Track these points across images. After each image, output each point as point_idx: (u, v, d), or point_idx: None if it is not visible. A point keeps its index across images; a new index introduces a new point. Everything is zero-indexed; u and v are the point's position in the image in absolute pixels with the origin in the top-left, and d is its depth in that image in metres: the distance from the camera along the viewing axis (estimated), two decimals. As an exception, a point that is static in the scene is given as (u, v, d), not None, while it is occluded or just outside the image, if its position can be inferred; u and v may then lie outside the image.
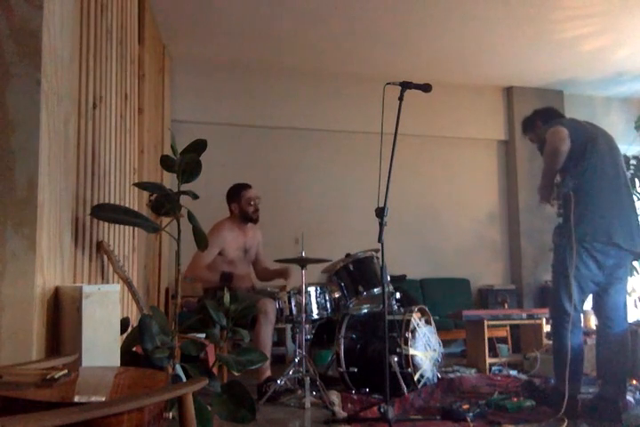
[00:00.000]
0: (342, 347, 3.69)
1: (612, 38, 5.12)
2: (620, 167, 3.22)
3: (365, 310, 3.94)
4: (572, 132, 3.09)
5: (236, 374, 2.16)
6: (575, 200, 3.05)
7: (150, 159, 4.22)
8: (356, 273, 3.94)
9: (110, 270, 2.61)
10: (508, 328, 5.03)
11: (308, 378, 3.34)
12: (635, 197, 5.66)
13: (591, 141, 3.13)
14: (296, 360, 3.46)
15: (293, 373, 3.44)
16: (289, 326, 4.42)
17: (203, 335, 2.40)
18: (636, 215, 3.18)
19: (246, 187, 4.02)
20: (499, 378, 4.09)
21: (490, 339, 4.49)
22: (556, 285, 3.15)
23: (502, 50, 5.39)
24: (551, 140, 3.09)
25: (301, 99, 5.88)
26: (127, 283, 2.57)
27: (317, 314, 3.77)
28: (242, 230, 4.00)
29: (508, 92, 6.49)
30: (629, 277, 5.63)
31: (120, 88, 3.01)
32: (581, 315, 3.22)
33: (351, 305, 3.90)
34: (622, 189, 3.17)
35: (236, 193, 3.99)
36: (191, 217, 2.20)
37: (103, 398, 1.31)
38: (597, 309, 3.21)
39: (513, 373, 4.30)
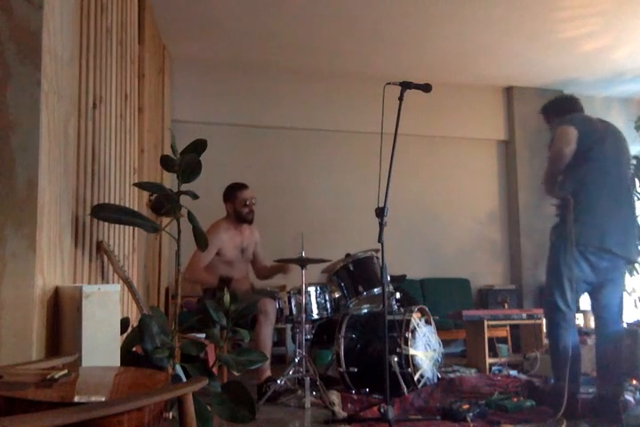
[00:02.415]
0: (342, 347, 3.68)
1: (612, 38, 5.12)
2: (623, 170, 3.19)
3: (365, 310, 3.94)
4: (582, 132, 3.07)
5: (236, 374, 2.16)
6: (573, 203, 3.04)
7: (150, 159, 4.22)
8: (355, 273, 3.93)
9: (110, 270, 2.61)
10: (508, 328, 5.03)
11: (308, 378, 3.33)
12: (635, 198, 5.68)
13: (599, 143, 3.10)
14: (296, 360, 3.46)
15: (293, 373, 3.44)
16: (289, 326, 4.42)
17: (203, 335, 2.40)
18: (634, 222, 3.16)
19: (242, 187, 4.00)
20: (499, 378, 4.09)
21: (490, 339, 4.49)
22: (550, 284, 3.16)
23: (502, 50, 5.39)
24: (557, 141, 3.08)
25: (301, 99, 5.88)
26: (127, 283, 2.57)
27: (317, 314, 3.77)
28: (238, 230, 3.99)
29: (508, 92, 6.49)
30: (630, 277, 5.66)
31: (120, 88, 3.01)
32: (575, 314, 3.23)
33: (351, 305, 3.90)
34: (623, 193, 3.15)
35: (231, 193, 3.97)
36: (191, 217, 2.20)
37: (103, 398, 1.31)
38: (592, 308, 3.23)
39: (513, 373, 4.30)
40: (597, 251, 3.02)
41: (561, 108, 3.38)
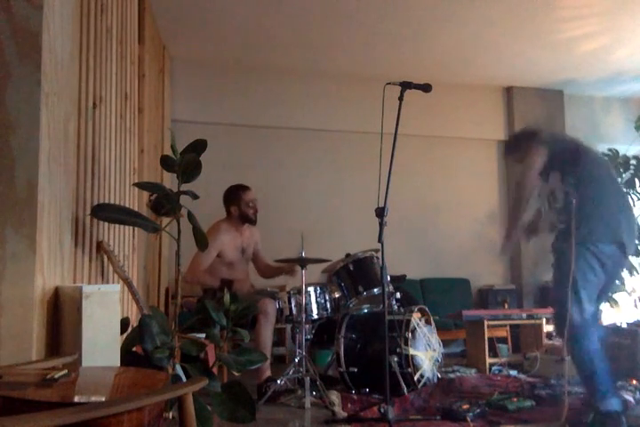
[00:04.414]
0: (342, 347, 3.68)
1: (612, 38, 5.11)
2: (613, 175, 3.18)
3: (365, 310, 3.94)
4: (556, 143, 3.03)
5: (236, 374, 2.16)
6: (581, 200, 2.93)
7: (150, 159, 4.22)
8: (355, 273, 3.93)
9: (110, 270, 2.61)
10: (508, 328, 5.02)
11: (308, 378, 3.33)
12: (635, 198, 5.69)
13: (582, 147, 3.09)
14: (296, 360, 3.45)
15: (293, 373, 3.44)
16: (289, 326, 4.42)
17: (203, 335, 2.40)
18: (635, 220, 3.13)
19: (245, 189, 4.01)
20: (499, 378, 4.08)
21: (490, 339, 4.49)
22: (561, 297, 2.89)
23: (502, 50, 5.39)
24: (527, 157, 3.01)
25: (301, 99, 5.88)
26: (127, 283, 2.57)
27: (317, 314, 3.77)
28: (239, 231, 4.00)
29: (508, 92, 6.49)
30: (630, 277, 5.66)
31: (120, 88, 3.01)
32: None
33: (351, 305, 3.90)
34: (621, 192, 3.14)
35: (235, 195, 3.97)
36: (191, 217, 2.20)
37: (103, 398, 1.31)
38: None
39: (513, 373, 4.30)
40: (606, 247, 2.89)
41: (529, 135, 3.33)
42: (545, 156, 2.97)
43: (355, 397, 3.44)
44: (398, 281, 4.52)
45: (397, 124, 2.97)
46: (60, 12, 1.99)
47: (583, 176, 3.03)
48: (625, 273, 5.09)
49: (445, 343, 4.10)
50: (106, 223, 2.60)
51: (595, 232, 2.91)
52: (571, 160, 3.04)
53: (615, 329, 4.00)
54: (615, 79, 6.14)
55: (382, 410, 2.85)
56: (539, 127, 3.46)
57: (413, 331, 3.59)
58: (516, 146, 3.36)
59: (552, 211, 3.11)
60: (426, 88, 2.95)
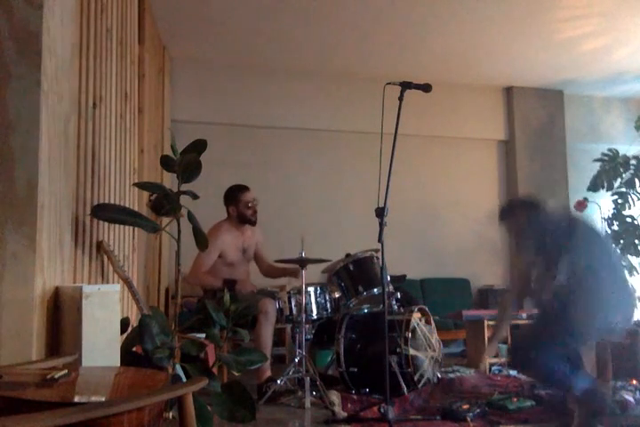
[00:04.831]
0: (342, 347, 3.68)
1: (612, 38, 5.12)
2: (609, 249, 3.13)
3: (365, 310, 3.94)
4: (552, 221, 3.01)
5: (236, 374, 2.16)
6: (576, 283, 2.79)
7: (150, 159, 4.22)
8: (355, 273, 3.93)
9: (110, 270, 2.61)
10: (508, 328, 5.02)
11: (308, 378, 3.33)
12: (635, 197, 5.67)
13: (575, 225, 3.02)
14: (296, 360, 3.45)
15: (293, 373, 3.44)
16: (289, 326, 4.42)
17: (203, 335, 2.40)
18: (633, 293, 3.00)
19: (244, 189, 3.99)
20: (499, 378, 4.08)
21: (490, 339, 4.48)
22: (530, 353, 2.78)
23: (502, 50, 5.39)
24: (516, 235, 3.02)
25: (301, 99, 5.88)
26: (127, 283, 2.57)
27: (317, 314, 3.76)
28: (240, 231, 4.00)
29: (508, 92, 6.49)
30: (630, 277, 5.64)
31: (120, 88, 3.01)
32: None
33: (351, 305, 3.90)
34: (617, 266, 3.05)
35: (234, 196, 3.97)
36: (191, 217, 2.20)
37: (103, 398, 1.31)
38: None
39: (513, 373, 4.30)
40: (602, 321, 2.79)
41: (527, 205, 3.25)
42: (532, 253, 2.95)
43: (355, 397, 3.44)
44: (398, 281, 4.52)
45: (397, 124, 2.96)
46: (60, 12, 1.99)
47: (578, 257, 2.88)
48: (625, 273, 5.02)
49: (445, 343, 4.10)
50: (106, 223, 2.60)
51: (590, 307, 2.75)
52: (564, 240, 2.94)
53: (615, 329, 3.99)
54: (615, 79, 6.14)
55: (382, 410, 2.85)
56: (535, 199, 3.39)
57: (413, 331, 3.59)
58: (510, 213, 3.31)
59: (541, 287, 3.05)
60: (426, 88, 2.94)
